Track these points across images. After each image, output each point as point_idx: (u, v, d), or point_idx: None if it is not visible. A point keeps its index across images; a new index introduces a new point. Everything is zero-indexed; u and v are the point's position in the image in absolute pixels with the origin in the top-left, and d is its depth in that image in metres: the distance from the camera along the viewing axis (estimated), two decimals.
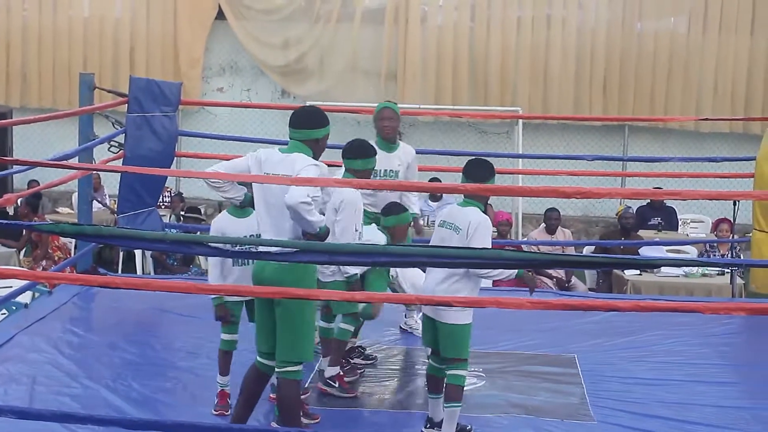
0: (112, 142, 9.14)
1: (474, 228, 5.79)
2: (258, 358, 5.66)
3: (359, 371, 7.00)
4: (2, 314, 8.27)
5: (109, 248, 12.71)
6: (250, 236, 5.90)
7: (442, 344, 5.89)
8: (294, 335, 5.41)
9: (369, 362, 7.24)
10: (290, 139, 5.62)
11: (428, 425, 5.97)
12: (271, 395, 6.14)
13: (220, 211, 6.27)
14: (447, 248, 5.16)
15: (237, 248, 5.56)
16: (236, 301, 6.16)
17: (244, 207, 6.09)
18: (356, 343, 7.24)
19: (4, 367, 6.89)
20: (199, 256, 11.26)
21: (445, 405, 5.81)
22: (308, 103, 13.72)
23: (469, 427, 5.94)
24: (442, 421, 5.88)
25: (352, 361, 7.02)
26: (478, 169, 5.97)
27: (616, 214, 12.92)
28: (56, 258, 11.93)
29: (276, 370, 5.48)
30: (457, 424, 5.82)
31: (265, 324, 5.56)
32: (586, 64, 15.54)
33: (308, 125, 5.59)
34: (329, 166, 6.80)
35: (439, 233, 5.97)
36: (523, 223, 14.83)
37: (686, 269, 10.72)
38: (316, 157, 5.57)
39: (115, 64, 16.11)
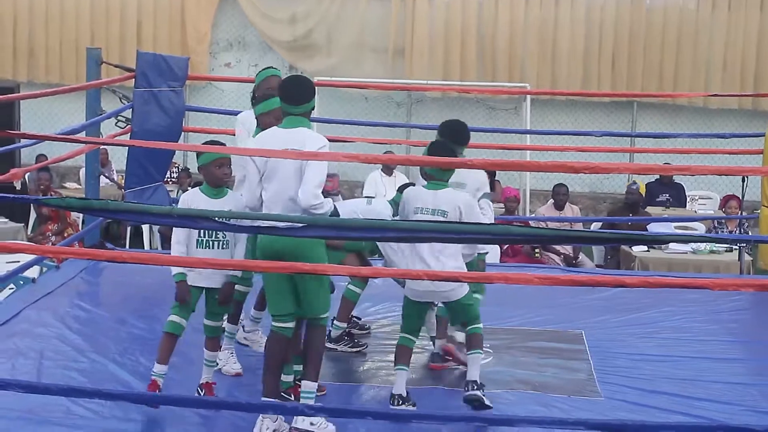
0: (119, 117, 9.14)
1: (465, 208, 5.91)
2: (274, 324, 5.68)
3: (362, 346, 7.03)
4: (10, 289, 8.28)
5: (116, 223, 12.75)
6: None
7: (458, 317, 6.18)
8: (317, 291, 5.60)
9: (365, 332, 7.35)
10: (288, 114, 5.62)
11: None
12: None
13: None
14: (456, 224, 5.18)
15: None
16: (198, 287, 5.87)
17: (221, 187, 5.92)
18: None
19: (12, 341, 6.89)
20: None
21: (468, 353, 6.07)
22: (315, 79, 13.71)
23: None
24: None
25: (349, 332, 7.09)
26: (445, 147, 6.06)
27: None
28: (66, 234, 11.95)
29: (308, 322, 5.66)
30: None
31: (281, 288, 5.62)
32: (595, 40, 15.49)
33: (306, 98, 5.64)
34: (338, 141, 6.82)
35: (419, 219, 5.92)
36: (530, 199, 14.81)
37: (694, 246, 10.72)
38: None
39: (122, 39, 16.10)
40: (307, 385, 5.59)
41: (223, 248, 5.86)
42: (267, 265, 5.52)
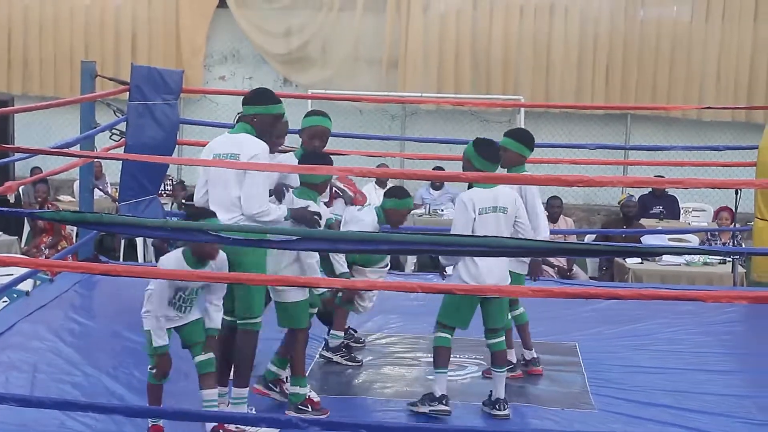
0: (113, 130, 9.14)
1: (519, 203, 6.17)
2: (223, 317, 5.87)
3: (358, 361, 7.03)
4: (3, 302, 8.27)
5: (110, 236, 12.74)
6: None
7: (492, 318, 6.20)
8: (250, 294, 5.71)
9: (360, 345, 7.35)
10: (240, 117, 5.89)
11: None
12: (255, 386, 6.13)
13: None
14: (447, 236, 5.21)
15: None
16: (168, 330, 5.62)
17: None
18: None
19: (6, 354, 6.89)
20: None
21: (494, 369, 6.20)
22: (310, 92, 13.74)
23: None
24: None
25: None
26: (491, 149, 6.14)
27: (618, 203, 12.93)
28: (59, 247, 11.94)
29: (238, 322, 5.78)
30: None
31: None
32: (589, 53, 15.52)
33: (249, 102, 5.83)
34: (332, 154, 6.87)
35: (489, 219, 6.01)
36: None
37: (688, 258, 10.72)
38: (260, 135, 5.77)
39: (116, 52, 16.10)
40: (236, 392, 5.68)
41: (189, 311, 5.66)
42: (260, 278, 5.53)
